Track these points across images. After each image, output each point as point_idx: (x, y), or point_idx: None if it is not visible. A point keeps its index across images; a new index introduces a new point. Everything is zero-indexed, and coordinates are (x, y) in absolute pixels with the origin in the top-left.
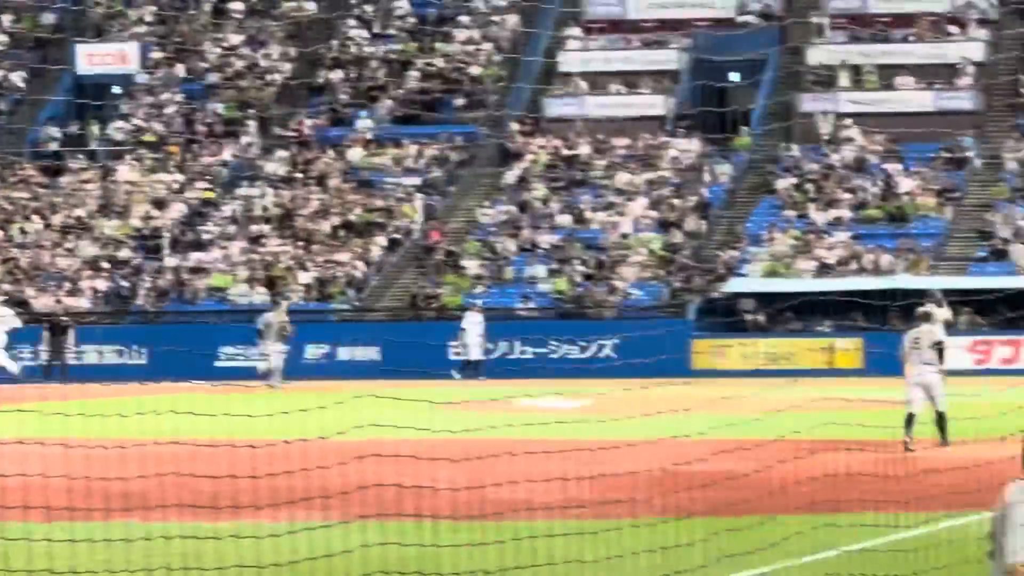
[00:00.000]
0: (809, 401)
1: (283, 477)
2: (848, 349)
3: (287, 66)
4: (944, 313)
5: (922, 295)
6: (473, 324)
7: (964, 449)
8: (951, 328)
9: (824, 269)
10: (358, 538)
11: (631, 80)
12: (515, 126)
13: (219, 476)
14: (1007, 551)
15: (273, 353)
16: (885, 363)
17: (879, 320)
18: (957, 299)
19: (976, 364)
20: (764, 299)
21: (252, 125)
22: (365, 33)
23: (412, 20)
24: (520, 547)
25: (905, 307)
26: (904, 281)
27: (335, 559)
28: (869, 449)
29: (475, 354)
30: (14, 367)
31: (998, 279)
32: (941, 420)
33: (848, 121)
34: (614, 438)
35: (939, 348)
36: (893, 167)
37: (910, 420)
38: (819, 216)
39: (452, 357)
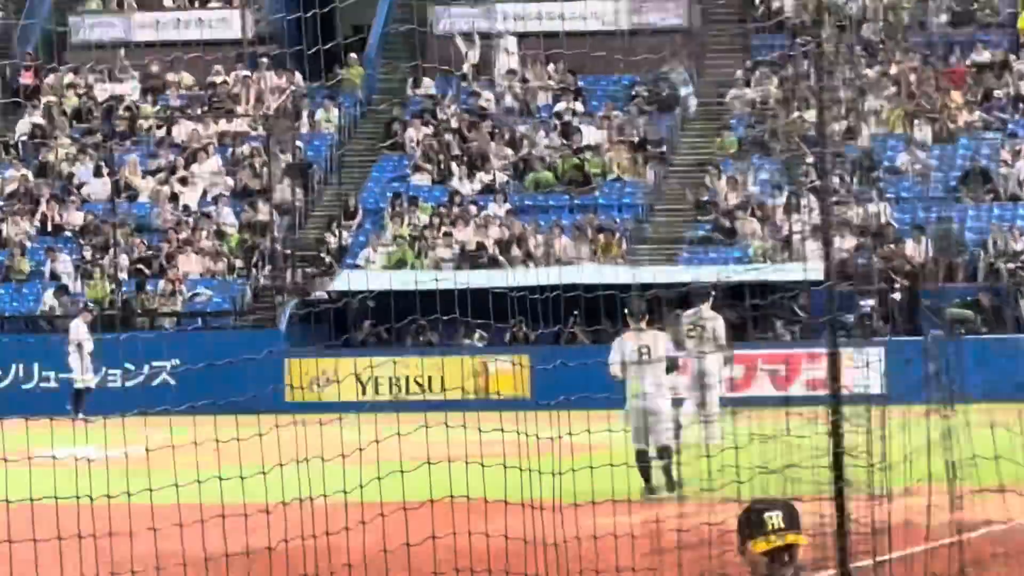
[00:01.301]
0: None
1: None
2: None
3: None
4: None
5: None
6: (82, 337)
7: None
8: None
9: (468, 254)
10: None
11: None
12: None
13: None
14: None
15: None
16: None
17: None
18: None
19: None
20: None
21: None
22: None
23: None
24: None
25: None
26: (586, 274)
27: None
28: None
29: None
30: None
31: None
32: (666, 465)
33: (508, 44)
34: None
35: (671, 361)
36: (570, 108)
37: (645, 462)
38: (465, 182)
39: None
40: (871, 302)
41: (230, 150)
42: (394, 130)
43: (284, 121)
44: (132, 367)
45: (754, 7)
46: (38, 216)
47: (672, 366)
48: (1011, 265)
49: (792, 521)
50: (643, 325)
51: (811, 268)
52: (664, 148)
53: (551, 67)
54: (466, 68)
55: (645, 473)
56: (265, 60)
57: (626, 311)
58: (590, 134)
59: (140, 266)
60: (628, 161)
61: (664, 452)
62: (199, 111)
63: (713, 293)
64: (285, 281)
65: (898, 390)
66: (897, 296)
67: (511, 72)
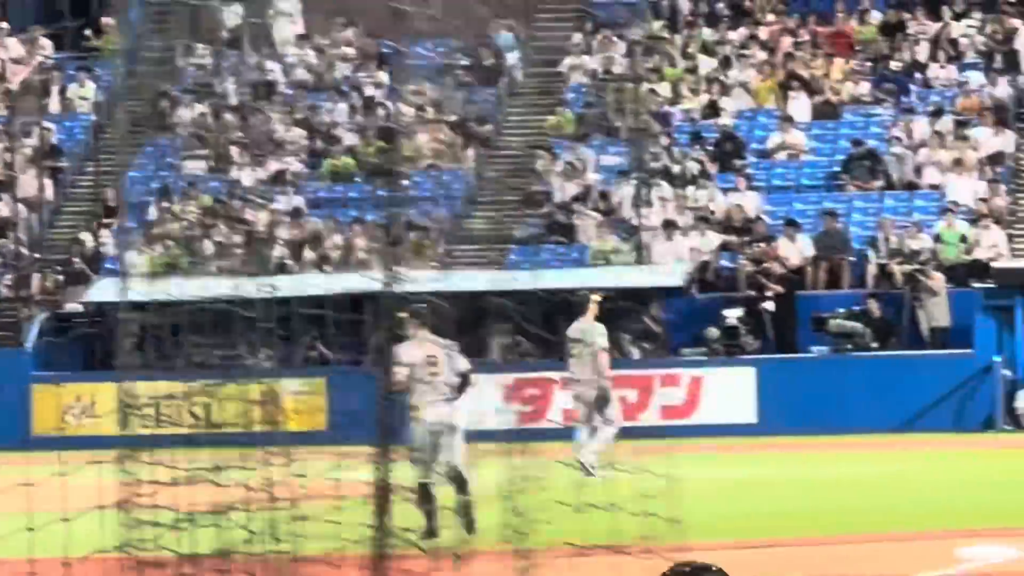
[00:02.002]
0: None
1: None
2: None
3: None
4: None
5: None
6: None
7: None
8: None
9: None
10: None
11: None
12: None
13: None
14: None
15: None
16: None
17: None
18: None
19: None
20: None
21: None
22: None
23: None
24: None
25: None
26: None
27: None
28: None
29: None
30: None
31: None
32: (464, 502)
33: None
34: None
35: (463, 377)
36: (373, 79)
37: (428, 499)
38: (247, 171)
39: None
40: (738, 312)
41: None
42: (162, 108)
43: (29, 98)
44: None
45: None
46: None
47: (465, 383)
48: (907, 267)
49: None
50: (428, 332)
51: (666, 271)
52: (487, 128)
53: (350, 31)
54: (224, 34)
55: (428, 513)
56: (5, 26)
57: (407, 315)
58: (398, 111)
59: None
60: (444, 144)
61: (458, 481)
62: None
63: (598, 300)
64: (31, 290)
65: (772, 418)
66: (770, 305)
67: (302, 37)
